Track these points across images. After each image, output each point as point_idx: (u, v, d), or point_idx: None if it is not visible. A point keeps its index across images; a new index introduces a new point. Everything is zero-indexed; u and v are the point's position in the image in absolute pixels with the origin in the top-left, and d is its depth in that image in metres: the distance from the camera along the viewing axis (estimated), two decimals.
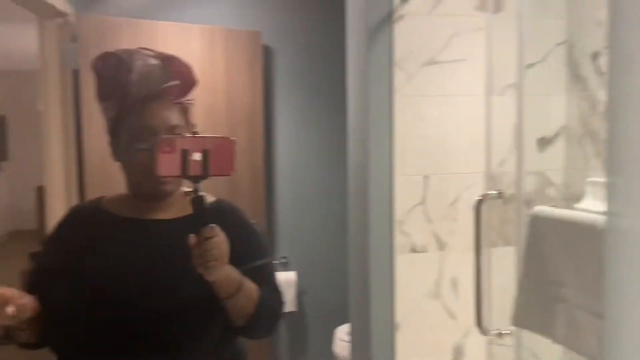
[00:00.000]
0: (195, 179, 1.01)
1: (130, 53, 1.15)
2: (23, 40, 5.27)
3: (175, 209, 1.19)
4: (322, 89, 3.16)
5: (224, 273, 1.04)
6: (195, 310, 1.11)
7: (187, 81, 1.20)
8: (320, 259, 3.20)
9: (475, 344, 1.84)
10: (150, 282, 1.10)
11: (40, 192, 4.78)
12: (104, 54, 1.17)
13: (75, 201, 2.46)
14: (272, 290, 1.22)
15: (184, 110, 1.19)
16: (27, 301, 1.02)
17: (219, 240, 1.01)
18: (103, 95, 1.18)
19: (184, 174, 1.00)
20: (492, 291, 1.74)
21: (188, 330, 1.11)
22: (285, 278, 2.99)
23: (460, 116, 1.82)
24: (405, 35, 1.75)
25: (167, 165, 1.00)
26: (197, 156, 1.00)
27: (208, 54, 2.69)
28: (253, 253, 1.22)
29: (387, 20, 1.73)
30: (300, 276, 3.11)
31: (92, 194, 1.92)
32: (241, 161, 2.81)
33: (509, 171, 1.77)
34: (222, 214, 1.19)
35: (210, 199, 1.23)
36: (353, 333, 2.09)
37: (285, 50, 3.10)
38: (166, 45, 1.88)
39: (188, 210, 1.07)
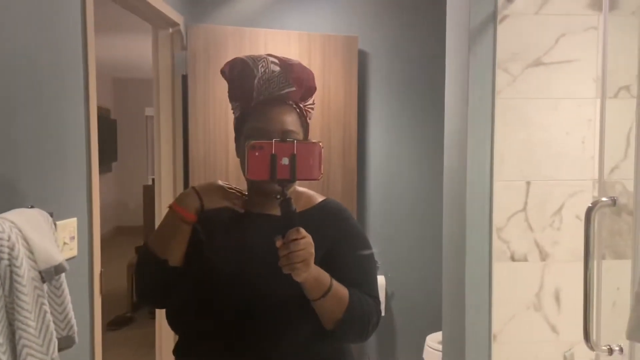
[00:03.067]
0: (283, 183, 1.05)
1: (255, 59, 1.20)
2: (134, 50, 5.72)
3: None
4: (417, 93, 3.14)
5: (311, 275, 1.05)
6: (288, 306, 1.12)
7: (307, 87, 1.22)
8: (411, 264, 3.16)
9: None
10: (250, 274, 1.15)
11: (147, 191, 5.10)
12: (233, 60, 1.23)
13: None
14: (369, 298, 1.19)
15: (302, 115, 1.22)
16: None
17: (305, 242, 1.02)
18: (231, 97, 1.25)
19: (272, 178, 1.04)
20: (600, 305, 1.64)
21: (281, 323, 1.13)
22: None
23: (567, 120, 1.73)
24: (510, 35, 1.70)
25: (256, 168, 1.05)
26: (285, 161, 1.04)
27: (305, 58, 2.76)
28: (355, 254, 1.21)
29: (490, 20, 1.69)
30: (390, 280, 3.09)
31: None
32: (335, 164, 2.85)
33: (621, 179, 1.66)
34: (327, 213, 1.22)
35: (319, 198, 1.26)
36: (446, 342, 2.05)
37: (381, 54, 3.12)
38: (267, 51, 1.96)
39: (302, 207, 1.13)
